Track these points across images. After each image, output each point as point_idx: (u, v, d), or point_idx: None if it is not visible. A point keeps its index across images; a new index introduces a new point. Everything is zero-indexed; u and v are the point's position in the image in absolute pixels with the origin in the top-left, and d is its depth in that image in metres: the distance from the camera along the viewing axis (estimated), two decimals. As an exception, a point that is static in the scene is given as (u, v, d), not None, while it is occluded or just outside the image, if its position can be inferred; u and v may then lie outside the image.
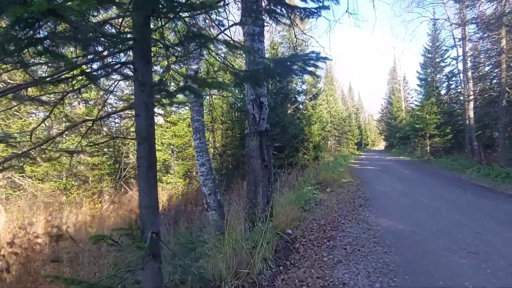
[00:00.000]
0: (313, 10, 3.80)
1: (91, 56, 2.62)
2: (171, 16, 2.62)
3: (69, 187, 12.09)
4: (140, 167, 2.62)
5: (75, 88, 2.78)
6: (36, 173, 11.76)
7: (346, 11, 6.87)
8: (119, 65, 2.62)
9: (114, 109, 12.94)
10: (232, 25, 4.25)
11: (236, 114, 19.61)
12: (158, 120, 18.90)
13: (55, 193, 11.99)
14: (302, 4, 4.14)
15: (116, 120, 17.62)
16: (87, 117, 8.36)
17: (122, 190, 13.59)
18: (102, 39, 2.63)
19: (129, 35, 2.67)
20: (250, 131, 4.59)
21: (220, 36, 3.26)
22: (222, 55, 4.67)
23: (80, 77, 2.76)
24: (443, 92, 25.72)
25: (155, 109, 15.74)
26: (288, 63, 2.60)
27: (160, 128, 17.84)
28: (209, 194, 6.91)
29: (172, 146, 18.46)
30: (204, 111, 18.55)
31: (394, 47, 43.42)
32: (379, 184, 11.43)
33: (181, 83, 2.88)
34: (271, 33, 20.77)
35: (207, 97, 19.38)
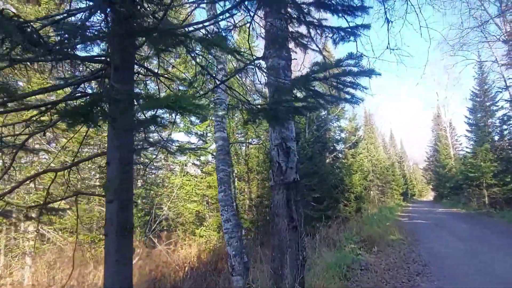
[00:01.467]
0: (349, 30, 3.05)
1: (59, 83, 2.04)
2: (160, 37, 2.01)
3: (96, 241, 11.60)
4: (108, 234, 1.88)
5: (41, 126, 2.18)
6: (65, 225, 11.49)
7: (387, 47, 6.18)
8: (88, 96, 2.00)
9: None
10: (254, 60, 3.63)
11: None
12: (195, 171, 18.63)
13: (82, 247, 11.56)
14: (335, 22, 3.38)
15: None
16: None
17: (151, 244, 12.93)
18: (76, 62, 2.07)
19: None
20: (275, 182, 3.79)
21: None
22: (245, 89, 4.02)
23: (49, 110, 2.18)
24: (497, 137, 23.59)
25: (188, 160, 15.32)
26: (312, 81, 1.86)
27: (195, 179, 17.44)
28: (234, 256, 5.99)
29: (206, 197, 17.92)
30: (240, 161, 18.19)
31: (437, 93, 41.46)
32: (436, 242, 9.83)
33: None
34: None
35: (243, 147, 19.06)
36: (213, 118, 6.42)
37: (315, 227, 13.55)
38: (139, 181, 15.17)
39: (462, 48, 19.33)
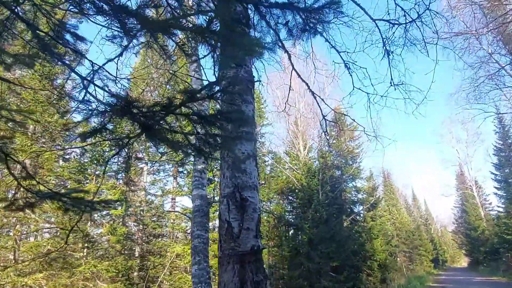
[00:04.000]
0: (310, 12, 1.87)
1: None
2: None
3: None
4: None
5: None
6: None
7: (391, 84, 5.32)
8: None
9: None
10: (203, 87, 2.76)
11: (285, 229, 17.77)
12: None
13: None
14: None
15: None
16: None
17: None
18: None
19: None
20: (223, 252, 2.41)
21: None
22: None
23: None
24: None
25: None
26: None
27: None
28: None
29: (212, 268, 16.16)
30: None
31: (457, 150, 39.65)
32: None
33: None
34: (319, 143, 19.85)
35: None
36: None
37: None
38: (136, 250, 13.88)
39: (478, 101, 18.34)
